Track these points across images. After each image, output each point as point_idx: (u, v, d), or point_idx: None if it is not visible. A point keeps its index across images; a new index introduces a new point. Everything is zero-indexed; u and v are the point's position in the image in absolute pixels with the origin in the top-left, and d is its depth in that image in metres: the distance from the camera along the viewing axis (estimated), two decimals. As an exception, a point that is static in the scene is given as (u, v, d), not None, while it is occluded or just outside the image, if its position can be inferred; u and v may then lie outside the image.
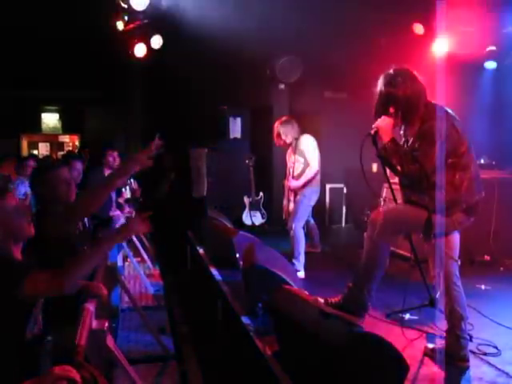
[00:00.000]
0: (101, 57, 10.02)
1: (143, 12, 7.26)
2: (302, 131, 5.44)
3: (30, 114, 14.17)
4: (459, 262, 3.21)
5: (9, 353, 2.10)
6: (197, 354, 3.89)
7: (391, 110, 3.13)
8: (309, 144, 5.32)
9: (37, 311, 2.28)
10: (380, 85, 3.17)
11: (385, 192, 5.90)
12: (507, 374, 2.96)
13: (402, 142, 3.22)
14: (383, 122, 3.15)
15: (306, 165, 5.29)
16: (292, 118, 5.44)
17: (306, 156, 5.29)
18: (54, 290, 2.21)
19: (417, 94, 3.08)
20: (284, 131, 5.36)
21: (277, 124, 5.43)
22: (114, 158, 6.06)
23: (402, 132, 3.28)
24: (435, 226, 3.05)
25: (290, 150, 5.52)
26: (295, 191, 5.41)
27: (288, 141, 5.38)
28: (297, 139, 5.35)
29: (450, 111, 3.09)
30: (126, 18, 7.60)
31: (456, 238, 3.19)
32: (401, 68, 3.18)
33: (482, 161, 5.87)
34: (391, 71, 3.16)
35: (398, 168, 3.10)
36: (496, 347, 3.29)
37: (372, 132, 3.18)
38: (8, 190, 2.48)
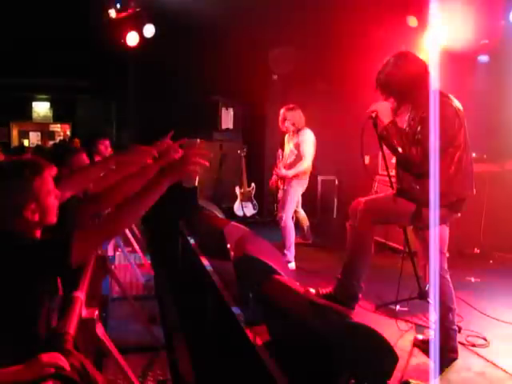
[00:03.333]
0: (93, 45, 9.92)
1: (135, -1, 7.22)
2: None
3: (20, 103, 14.03)
4: (447, 255, 3.22)
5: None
6: (187, 344, 3.89)
7: (394, 92, 3.12)
8: (308, 138, 5.28)
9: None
10: (382, 68, 3.15)
11: (376, 185, 5.90)
12: (495, 364, 2.99)
13: (405, 127, 3.16)
14: (381, 106, 3.15)
15: (300, 158, 5.27)
16: (298, 107, 5.36)
17: (301, 149, 5.26)
18: (108, 235, 2.23)
19: (418, 76, 3.06)
20: (291, 117, 5.30)
21: (284, 110, 5.35)
22: (105, 147, 6.00)
23: (406, 117, 3.21)
24: (424, 217, 3.04)
25: (287, 138, 5.48)
26: (283, 179, 5.40)
27: (291, 128, 5.34)
28: (298, 130, 5.33)
29: (455, 101, 3.07)
30: (118, 5, 7.55)
31: (443, 231, 3.18)
32: (402, 51, 3.16)
33: (474, 154, 5.89)
34: (393, 55, 3.14)
35: (399, 149, 3.06)
36: (484, 339, 3.33)
37: (373, 115, 3.18)
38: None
